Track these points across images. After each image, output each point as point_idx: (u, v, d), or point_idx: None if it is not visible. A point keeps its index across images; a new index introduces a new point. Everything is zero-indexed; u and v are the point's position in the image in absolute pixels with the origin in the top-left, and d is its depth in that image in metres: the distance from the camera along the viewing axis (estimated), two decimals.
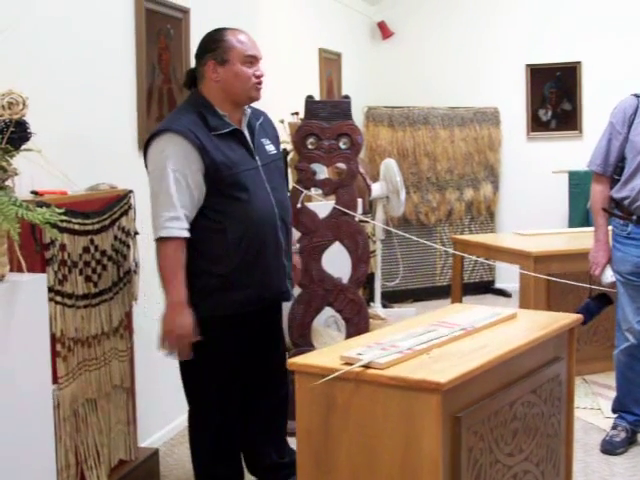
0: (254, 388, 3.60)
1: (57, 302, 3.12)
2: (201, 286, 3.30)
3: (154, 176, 3.27)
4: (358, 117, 7.51)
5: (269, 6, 6.02)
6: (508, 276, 7.75)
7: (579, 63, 8.42)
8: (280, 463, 3.72)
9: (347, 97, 5.08)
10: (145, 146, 3.33)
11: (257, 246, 3.31)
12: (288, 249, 3.50)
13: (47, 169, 2.87)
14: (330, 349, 2.83)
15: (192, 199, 3.24)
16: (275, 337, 3.67)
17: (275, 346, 3.66)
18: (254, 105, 3.53)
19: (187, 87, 3.49)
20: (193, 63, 4.69)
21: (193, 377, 3.49)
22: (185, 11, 4.66)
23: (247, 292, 3.33)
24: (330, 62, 7.54)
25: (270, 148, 3.49)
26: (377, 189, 7.03)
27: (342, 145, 4.74)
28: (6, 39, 2.96)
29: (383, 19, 8.83)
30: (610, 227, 4.35)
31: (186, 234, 3.23)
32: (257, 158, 3.38)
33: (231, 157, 3.27)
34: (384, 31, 8.84)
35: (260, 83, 3.37)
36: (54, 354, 3.07)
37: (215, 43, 3.33)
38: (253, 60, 3.34)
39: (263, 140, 3.47)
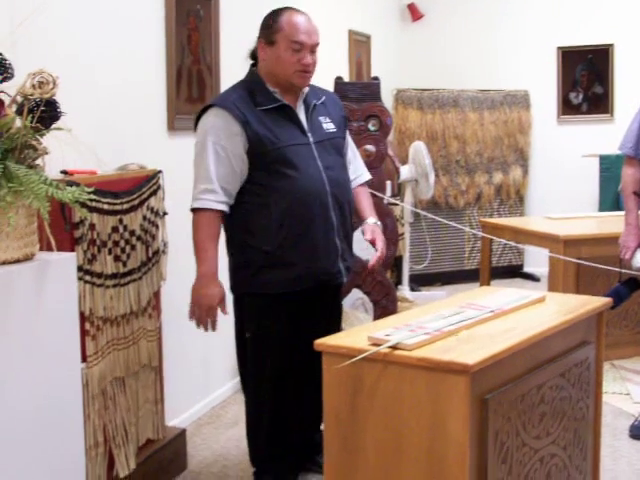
0: (305, 371, 3.48)
1: (86, 281, 3.14)
2: (248, 261, 3.35)
3: (196, 149, 3.34)
4: (387, 99, 7.48)
5: None
6: (537, 260, 7.71)
7: (611, 45, 8.33)
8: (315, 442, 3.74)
9: (376, 79, 5.07)
10: (195, 121, 3.39)
11: (303, 223, 3.29)
12: (343, 229, 3.44)
13: (77, 149, 2.88)
14: (358, 330, 2.83)
15: (233, 172, 3.27)
16: (329, 321, 3.55)
17: (328, 330, 3.55)
18: (319, 84, 3.58)
19: (252, 58, 3.49)
20: (223, 44, 4.73)
21: (247, 358, 3.52)
22: None
23: (293, 270, 3.32)
24: (360, 44, 7.51)
25: (329, 126, 3.46)
26: (406, 172, 7.02)
27: (371, 127, 4.73)
28: (37, 19, 2.97)
29: (413, 1, 8.78)
30: None
31: (221, 207, 3.27)
32: (309, 135, 3.37)
33: (276, 132, 3.28)
34: (414, 13, 8.79)
35: (305, 71, 3.31)
36: (83, 333, 3.09)
37: (268, 22, 3.33)
38: (301, 46, 3.28)
39: (321, 118, 3.45)
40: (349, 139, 3.67)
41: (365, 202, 3.64)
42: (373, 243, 3.49)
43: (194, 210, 3.30)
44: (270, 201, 3.27)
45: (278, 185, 3.26)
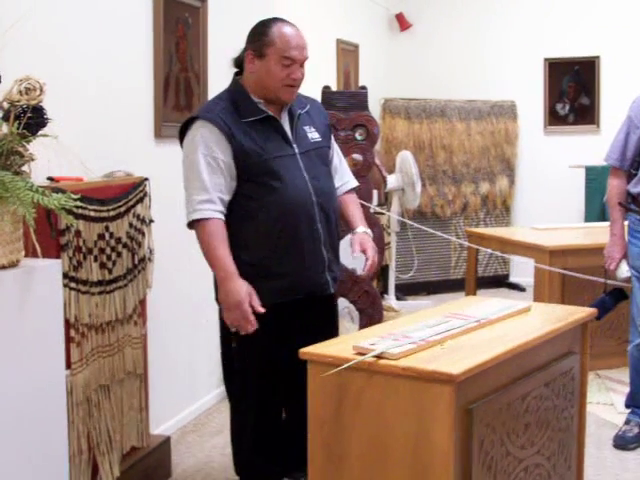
0: (292, 381, 3.35)
1: (71, 288, 3.13)
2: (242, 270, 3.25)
3: (186, 163, 3.28)
4: (375, 109, 7.49)
5: None
6: (523, 270, 7.72)
7: (598, 57, 8.37)
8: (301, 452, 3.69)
9: (364, 88, 5.08)
10: (180, 134, 3.35)
11: (290, 235, 3.25)
12: (331, 240, 3.39)
13: (63, 155, 2.88)
14: (343, 339, 2.83)
15: (226, 182, 3.23)
16: (321, 332, 3.26)
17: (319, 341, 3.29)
18: (307, 93, 3.52)
19: (237, 67, 3.43)
20: (210, 52, 4.73)
21: (232, 369, 3.46)
22: (203, 0, 4.66)
23: (279, 282, 3.28)
24: (348, 53, 7.53)
25: (313, 136, 3.41)
26: (393, 181, 7.04)
27: (358, 136, 4.74)
28: (24, 25, 2.97)
29: (401, 11, 8.80)
30: (626, 222, 4.33)
31: (219, 216, 3.21)
32: (295, 146, 3.32)
33: (262, 144, 3.24)
34: (402, 23, 8.81)
35: (294, 86, 3.28)
36: (68, 340, 3.08)
37: (258, 34, 3.27)
38: (291, 62, 3.23)
39: (306, 128, 3.41)
40: (335, 146, 3.64)
41: (353, 210, 3.59)
42: (364, 253, 3.44)
43: (194, 222, 3.22)
44: (257, 213, 3.24)
45: (264, 197, 3.23)
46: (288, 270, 3.28)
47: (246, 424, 3.49)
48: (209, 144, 3.21)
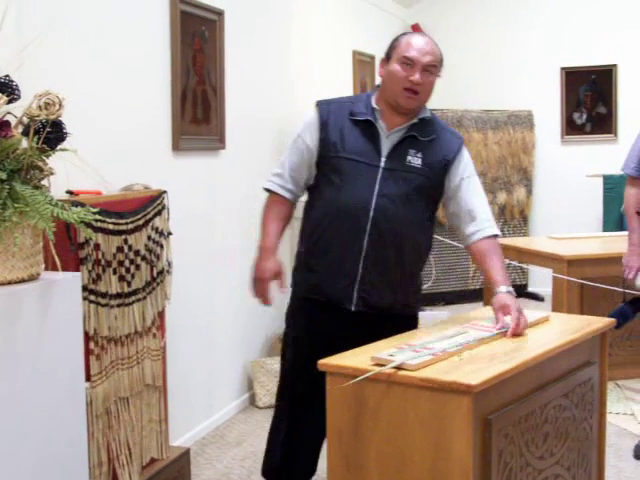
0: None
1: (91, 301, 3.15)
2: (295, 257, 3.48)
3: None
4: None
5: (303, 8, 6.03)
6: (541, 280, 7.70)
7: (615, 66, 8.36)
8: None
9: None
10: None
11: (329, 237, 3.26)
12: (377, 261, 3.24)
13: (82, 169, 2.89)
14: (362, 350, 2.83)
15: (303, 163, 3.35)
16: (344, 346, 2.96)
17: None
18: (451, 129, 3.55)
19: None
20: (227, 65, 4.75)
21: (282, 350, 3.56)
22: (220, 13, 4.69)
23: (312, 277, 3.32)
24: (364, 64, 7.54)
25: (414, 160, 3.27)
26: None
27: None
28: (43, 41, 2.99)
29: (417, 22, 8.82)
30: None
31: (283, 192, 3.38)
32: (383, 159, 3.24)
33: (347, 142, 3.25)
34: None
35: (413, 91, 3.22)
36: (87, 352, 3.10)
37: (392, 42, 3.36)
38: (411, 63, 3.21)
39: (411, 151, 3.28)
40: (473, 188, 3.47)
41: (491, 262, 3.26)
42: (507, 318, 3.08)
43: (266, 190, 3.44)
44: (314, 204, 3.34)
45: (323, 192, 3.29)
46: (319, 269, 3.31)
47: (280, 427, 3.48)
48: (307, 127, 3.38)
